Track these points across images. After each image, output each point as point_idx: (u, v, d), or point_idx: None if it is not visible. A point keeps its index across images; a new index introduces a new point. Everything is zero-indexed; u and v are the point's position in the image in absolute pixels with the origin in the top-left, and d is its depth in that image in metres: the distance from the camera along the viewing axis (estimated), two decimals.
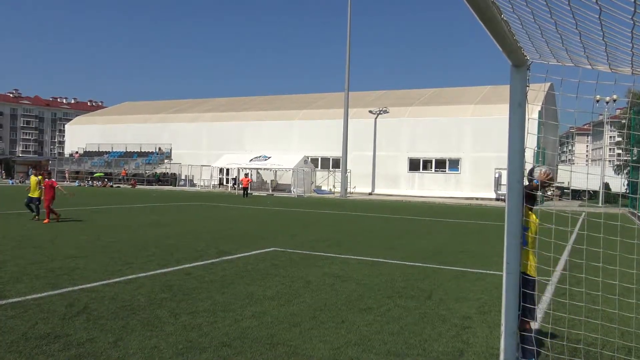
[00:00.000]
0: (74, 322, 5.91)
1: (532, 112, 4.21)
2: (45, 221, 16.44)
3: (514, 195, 4.00)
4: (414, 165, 49.54)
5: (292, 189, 49.14)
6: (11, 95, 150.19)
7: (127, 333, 5.58)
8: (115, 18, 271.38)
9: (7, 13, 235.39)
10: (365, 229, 17.93)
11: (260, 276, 8.84)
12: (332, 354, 5.15)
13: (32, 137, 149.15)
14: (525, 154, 4.10)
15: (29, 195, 17.64)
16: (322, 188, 51.92)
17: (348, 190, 46.70)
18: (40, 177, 17.61)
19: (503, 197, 38.43)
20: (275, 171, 53.72)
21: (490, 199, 42.94)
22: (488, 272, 9.81)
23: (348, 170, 47.00)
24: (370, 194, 49.81)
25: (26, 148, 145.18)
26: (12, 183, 58.26)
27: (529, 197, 4.56)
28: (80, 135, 72.72)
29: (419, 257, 11.47)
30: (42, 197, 17.26)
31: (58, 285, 7.70)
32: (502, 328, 4.06)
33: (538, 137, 24.21)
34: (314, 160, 54.13)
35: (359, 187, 50.73)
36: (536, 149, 29.33)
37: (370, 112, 51.37)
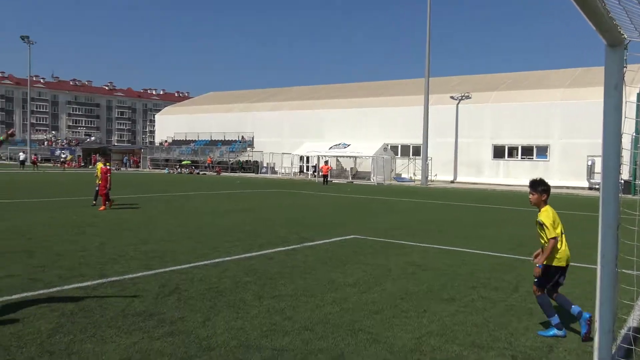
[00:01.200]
0: (166, 301, 6.26)
1: (630, 95, 3.93)
2: (102, 208, 16.18)
3: (610, 183, 3.76)
4: (498, 152, 47.77)
5: (371, 176, 49.00)
6: (106, 88, 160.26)
7: (214, 313, 5.84)
8: (200, 16, 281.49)
9: (103, 13, 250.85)
10: (446, 217, 17.57)
11: (341, 263, 8.91)
12: (414, 343, 5.11)
13: (125, 126, 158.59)
14: (622, 140, 3.83)
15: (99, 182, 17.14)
16: (403, 176, 51.34)
17: (429, 178, 45.89)
18: (108, 164, 17.38)
19: (597, 186, 36.23)
20: (355, 158, 53.77)
21: (582, 188, 40.59)
22: (579, 265, 9.31)
23: (429, 158, 46.13)
24: (452, 181, 48.67)
25: (120, 137, 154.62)
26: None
27: None
28: (169, 125, 76.43)
29: (504, 248, 11.08)
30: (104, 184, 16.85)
31: (151, 266, 8.18)
32: (597, 325, 3.84)
33: (637, 122, 22.56)
34: (394, 148, 53.60)
35: (440, 175, 49.69)
36: (634, 134, 27.28)
37: (452, 97, 50.00)
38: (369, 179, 49.03)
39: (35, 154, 69.51)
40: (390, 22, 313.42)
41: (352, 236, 12.17)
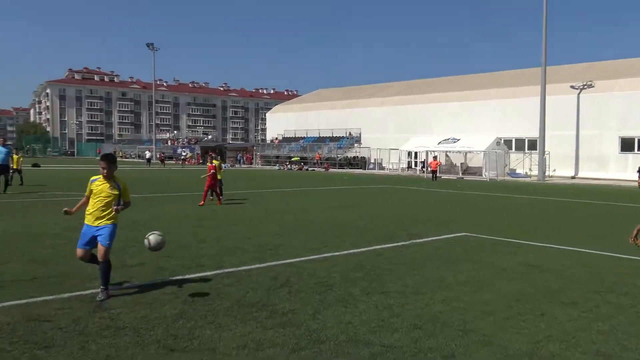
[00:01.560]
0: (278, 293, 6.49)
1: None
2: (201, 203, 16.62)
3: None
4: (626, 145, 43.81)
5: (483, 172, 47.17)
6: (222, 89, 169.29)
7: (324, 307, 5.95)
8: (299, 23, 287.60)
9: (218, 20, 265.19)
10: (566, 215, 16.46)
11: (451, 261, 8.68)
12: (531, 347, 4.85)
13: (239, 125, 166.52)
14: None
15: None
16: (517, 171, 48.85)
17: (546, 173, 43.24)
18: (220, 161, 18.15)
19: None
20: (465, 153, 52.05)
21: None
22: None
23: (546, 152, 43.45)
24: (572, 177, 45.45)
25: (235, 135, 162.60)
26: (225, 167, 65.73)
27: None
28: (279, 122, 79.01)
29: (632, 249, 10.14)
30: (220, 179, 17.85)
31: (264, 259, 8.52)
32: None
33: None
34: (508, 142, 51.13)
35: (559, 170, 46.62)
36: None
37: (572, 87, 46.61)
38: (481, 175, 47.23)
39: (163, 152, 75.08)
40: (503, 10, 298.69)
41: (462, 234, 11.81)
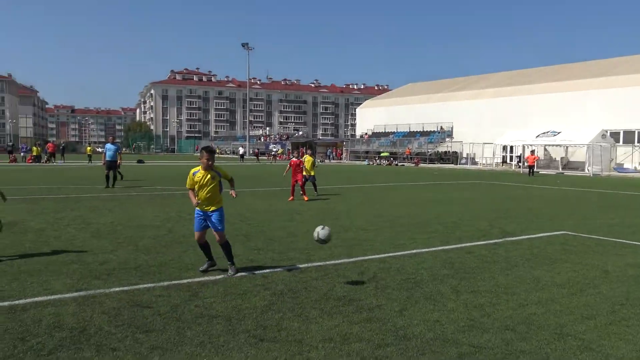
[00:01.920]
0: (365, 288, 6.49)
1: None
2: (290, 199, 16.80)
3: None
4: None
5: (586, 167, 44.22)
6: (312, 85, 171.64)
7: (411, 304, 5.87)
8: (390, 19, 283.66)
9: (308, 19, 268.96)
10: None
11: (548, 261, 8.24)
12: (636, 356, 4.49)
13: (329, 121, 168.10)
14: None
15: (304, 174, 17.94)
16: (625, 166, 45.32)
17: None
18: (314, 158, 18.24)
19: None
20: (566, 147, 49.07)
21: None
22: None
23: None
24: None
25: (325, 131, 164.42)
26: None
27: None
28: (369, 118, 78.86)
29: None
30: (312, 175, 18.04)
31: (351, 254, 8.55)
32: None
33: None
34: (614, 134, 47.60)
35: None
36: None
37: None
38: (583, 170, 44.33)
39: (257, 149, 77.56)
40: None
41: (561, 232, 11.16)
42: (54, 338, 4.68)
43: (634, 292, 6.50)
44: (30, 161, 45.31)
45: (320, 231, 6.98)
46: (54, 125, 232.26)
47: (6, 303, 5.64)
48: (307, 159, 18.21)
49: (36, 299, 5.82)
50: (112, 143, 21.30)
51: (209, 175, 6.99)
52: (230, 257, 7.15)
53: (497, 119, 57.27)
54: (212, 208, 7.06)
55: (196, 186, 7.00)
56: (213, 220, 7.06)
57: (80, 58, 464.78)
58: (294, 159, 17.68)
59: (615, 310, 5.74)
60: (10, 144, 60.45)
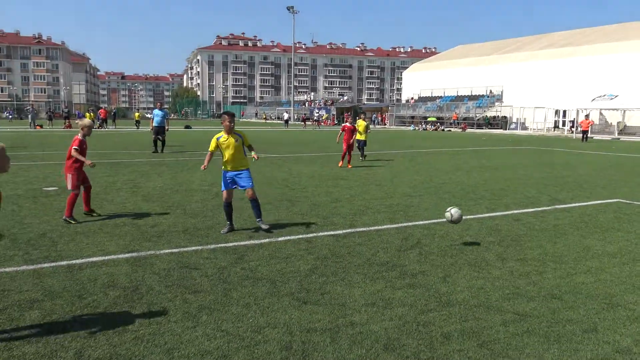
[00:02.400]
0: (408, 254, 6.49)
1: None
2: (340, 164, 16.62)
3: None
4: None
5: None
6: (358, 49, 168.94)
7: (455, 271, 5.84)
8: None
9: None
10: None
11: (600, 229, 7.98)
12: None
13: (374, 85, 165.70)
14: None
15: (357, 138, 18.09)
16: None
17: None
18: (367, 122, 18.44)
19: None
20: (624, 111, 46.82)
21: None
22: None
23: None
24: None
25: (370, 96, 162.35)
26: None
27: None
28: (415, 82, 77.25)
29: None
30: (364, 140, 18.15)
31: (395, 220, 8.54)
32: None
33: None
34: None
35: None
36: None
37: None
38: None
39: (305, 114, 77.31)
40: None
41: (615, 200, 10.76)
42: (108, 296, 4.92)
43: None
44: (69, 127, 46.83)
45: (453, 212, 7.03)
46: (105, 92, 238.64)
47: (64, 262, 5.95)
48: (361, 122, 18.36)
49: (91, 259, 6.10)
50: (160, 109, 21.69)
51: (232, 138, 7.48)
52: (259, 212, 7.63)
53: (550, 82, 55.05)
54: (241, 168, 7.55)
55: (222, 149, 7.52)
56: (244, 178, 7.54)
57: (129, 25, 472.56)
58: (347, 124, 17.30)
59: None
60: (66, 110, 62.67)
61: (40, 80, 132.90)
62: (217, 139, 7.56)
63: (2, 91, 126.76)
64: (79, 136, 8.20)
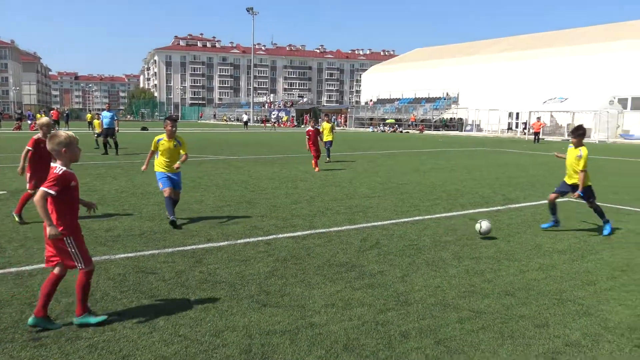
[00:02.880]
0: (367, 255, 6.55)
1: None
2: (317, 169, 16.05)
3: None
4: None
5: (592, 134, 43.92)
6: (318, 51, 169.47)
7: (413, 270, 5.93)
8: None
9: None
10: None
11: (550, 228, 8.25)
12: (634, 320, 4.55)
13: (334, 87, 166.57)
14: None
15: (324, 139, 18.61)
16: (631, 133, 44.97)
17: None
18: (332, 123, 19.35)
19: None
20: (573, 114, 48.61)
21: None
22: None
23: None
24: None
25: (329, 98, 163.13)
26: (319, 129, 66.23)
27: None
28: (375, 84, 78.07)
29: None
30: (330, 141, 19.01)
31: (354, 220, 8.60)
32: None
33: None
34: (622, 101, 47.07)
35: None
36: None
37: None
38: (589, 137, 44.00)
39: (265, 115, 76.79)
40: None
41: (565, 199, 11.14)
42: (60, 303, 4.77)
43: (634, 258, 6.54)
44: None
45: (483, 224, 7.42)
46: (57, 93, 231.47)
47: (13, 269, 5.73)
48: (325, 124, 19.01)
49: (43, 265, 5.89)
50: (108, 110, 21.44)
51: (170, 143, 7.97)
52: (173, 211, 7.97)
53: (504, 85, 56.64)
54: (175, 171, 8.05)
55: (160, 150, 7.97)
56: (177, 180, 8.12)
57: (83, 24, 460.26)
58: (310, 128, 17.13)
59: (615, 276, 5.78)
60: (19, 111, 60.56)
61: None
62: (157, 140, 8.01)
63: None
64: (39, 135, 8.00)
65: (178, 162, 8.04)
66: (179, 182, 8.18)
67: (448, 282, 5.54)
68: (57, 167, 4.25)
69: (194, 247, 6.79)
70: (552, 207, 7.96)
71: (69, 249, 4.23)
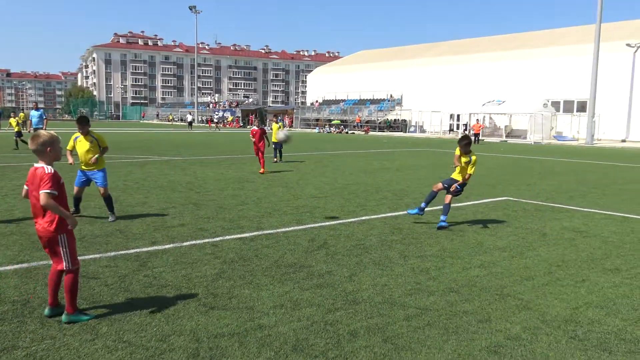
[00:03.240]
0: (315, 255, 6.58)
1: None
2: (262, 171, 15.56)
3: None
4: None
5: (528, 135, 45.86)
6: (263, 51, 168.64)
7: (360, 269, 6.00)
8: None
9: None
10: (615, 180, 15.90)
11: (491, 226, 8.57)
12: (569, 313, 4.78)
13: (279, 88, 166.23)
14: None
15: (272, 140, 18.64)
16: (564, 134, 47.30)
17: (595, 136, 41.67)
18: (280, 123, 19.65)
19: None
20: (510, 116, 50.63)
21: None
22: None
23: (596, 114, 41.74)
24: (623, 140, 43.73)
25: (275, 98, 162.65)
26: (268, 130, 65.98)
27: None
28: (320, 85, 78.50)
29: None
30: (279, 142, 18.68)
31: (302, 221, 8.61)
32: None
33: None
34: (555, 104, 49.46)
35: (609, 133, 44.89)
36: None
37: (628, 45, 44.34)
38: (525, 138, 45.94)
39: (211, 116, 75.60)
40: None
41: (504, 198, 11.60)
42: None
43: (569, 254, 6.88)
44: None
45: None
46: None
47: None
48: (274, 125, 19.22)
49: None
50: (36, 109, 20.97)
51: (86, 140, 8.31)
52: (111, 208, 8.40)
53: (446, 88, 58.28)
54: (94, 168, 8.38)
55: (77, 148, 8.34)
56: (98, 177, 8.41)
57: (16, 18, 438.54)
58: (254, 127, 16.99)
59: (552, 272, 6.06)
60: None
61: None
62: (75, 138, 8.42)
63: None
64: None
65: (95, 156, 8.30)
66: (99, 179, 8.41)
67: (395, 280, 5.64)
68: (44, 167, 4.32)
69: (137, 250, 6.61)
70: (433, 196, 8.51)
71: (61, 249, 4.35)
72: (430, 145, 34.97)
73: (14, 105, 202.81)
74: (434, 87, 59.92)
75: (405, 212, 9.52)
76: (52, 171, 4.33)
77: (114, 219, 8.32)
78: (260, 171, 15.57)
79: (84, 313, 4.50)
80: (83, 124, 8.35)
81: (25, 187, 4.51)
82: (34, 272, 5.63)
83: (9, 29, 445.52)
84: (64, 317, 4.39)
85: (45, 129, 20.38)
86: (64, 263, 4.37)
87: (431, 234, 7.90)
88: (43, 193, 4.20)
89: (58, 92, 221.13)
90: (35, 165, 4.38)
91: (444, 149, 30.27)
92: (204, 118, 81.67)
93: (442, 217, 8.34)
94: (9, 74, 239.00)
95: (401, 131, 59.75)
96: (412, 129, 59.80)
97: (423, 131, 57.83)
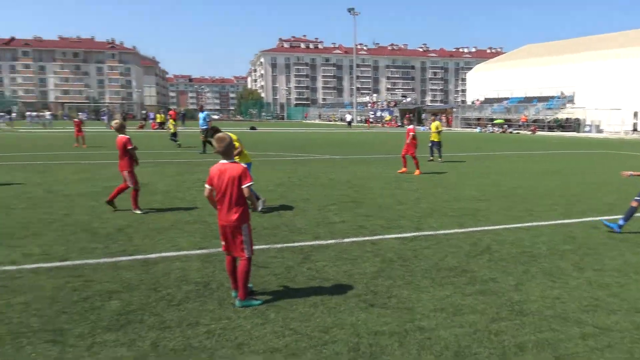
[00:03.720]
0: (477, 260, 6.31)
1: None
2: (404, 170, 15.39)
3: None
4: None
5: None
6: (420, 50, 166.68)
7: (527, 279, 5.62)
8: None
9: None
10: None
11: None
12: None
13: (438, 86, 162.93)
14: None
15: (431, 139, 19.40)
16: None
17: None
18: (438, 122, 19.43)
19: None
20: None
21: None
22: None
23: None
24: None
25: (434, 97, 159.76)
26: (424, 129, 65.15)
27: None
28: (481, 83, 75.27)
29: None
30: (437, 141, 19.02)
31: (463, 224, 8.32)
32: None
33: None
34: None
35: None
36: None
37: None
38: None
39: (369, 116, 77.23)
40: None
41: None
42: (181, 290, 5.09)
43: None
44: (155, 127, 48.75)
45: None
46: (174, 94, 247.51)
47: (140, 257, 6.20)
48: (433, 125, 19.37)
49: (165, 254, 6.33)
50: (201, 111, 23.30)
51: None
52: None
53: (628, 82, 52.11)
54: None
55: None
56: None
57: (194, 29, 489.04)
58: (411, 126, 16.15)
59: None
60: (144, 112, 67.60)
61: (114, 84, 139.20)
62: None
63: (80, 94, 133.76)
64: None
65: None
66: None
67: (568, 293, 5.18)
68: (237, 163, 4.80)
69: (302, 243, 6.94)
70: (632, 212, 7.59)
71: (244, 237, 4.73)
72: (609, 147, 31.56)
73: (195, 107, 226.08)
74: (613, 81, 53.89)
75: (578, 219, 8.71)
76: (245, 165, 4.83)
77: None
78: (416, 173, 15.02)
79: (254, 298, 4.85)
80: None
81: (206, 186, 4.78)
82: (214, 258, 6.20)
83: (191, 39, 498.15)
84: (237, 303, 4.75)
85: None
86: (245, 251, 4.72)
87: (612, 245, 7.12)
88: (245, 188, 4.64)
89: (231, 95, 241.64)
90: (228, 162, 4.72)
91: (626, 151, 27.11)
92: (363, 118, 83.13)
93: (620, 222, 7.55)
94: (190, 79, 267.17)
95: (574, 131, 54.79)
96: (586, 128, 54.51)
97: (600, 131, 52.40)
